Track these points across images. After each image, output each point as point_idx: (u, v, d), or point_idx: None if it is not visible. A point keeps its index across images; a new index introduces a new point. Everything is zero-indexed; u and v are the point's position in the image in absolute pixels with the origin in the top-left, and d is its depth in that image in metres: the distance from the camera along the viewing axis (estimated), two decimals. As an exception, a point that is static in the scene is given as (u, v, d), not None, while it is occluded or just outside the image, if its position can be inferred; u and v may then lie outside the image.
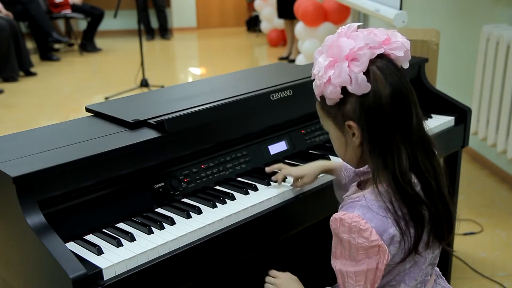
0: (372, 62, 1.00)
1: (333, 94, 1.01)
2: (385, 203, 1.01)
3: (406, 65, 1.04)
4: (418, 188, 1.03)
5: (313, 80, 1.05)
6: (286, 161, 1.54)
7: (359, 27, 1.03)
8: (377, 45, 1.01)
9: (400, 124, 1.01)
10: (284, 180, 1.41)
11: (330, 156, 1.57)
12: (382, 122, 1.00)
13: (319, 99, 1.08)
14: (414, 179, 1.03)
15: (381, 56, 1.01)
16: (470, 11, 3.30)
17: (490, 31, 2.86)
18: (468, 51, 3.26)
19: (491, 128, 2.93)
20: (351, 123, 1.02)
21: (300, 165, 1.44)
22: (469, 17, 3.30)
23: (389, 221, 1.00)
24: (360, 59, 0.99)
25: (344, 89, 1.00)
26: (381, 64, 1.01)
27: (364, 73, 0.98)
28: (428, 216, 1.04)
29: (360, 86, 0.98)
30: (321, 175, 1.42)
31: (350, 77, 0.98)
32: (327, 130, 1.11)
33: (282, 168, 1.43)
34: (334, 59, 1.00)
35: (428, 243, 1.06)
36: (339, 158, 1.16)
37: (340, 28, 1.04)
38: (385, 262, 1.00)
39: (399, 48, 1.02)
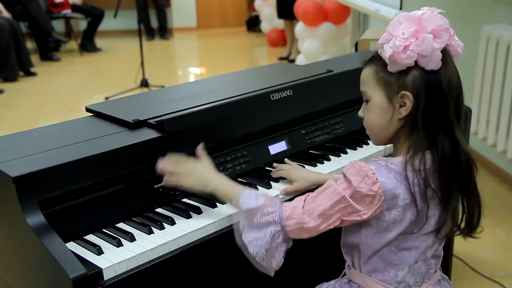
0: (447, 46, 1.06)
1: (406, 60, 1.03)
2: (405, 171, 1.04)
3: (456, 61, 1.09)
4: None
5: (384, 43, 1.06)
6: (286, 159, 1.54)
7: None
8: (450, 35, 1.06)
9: (456, 113, 1.06)
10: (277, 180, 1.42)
11: (331, 157, 1.57)
12: (443, 103, 1.04)
13: (377, 64, 1.10)
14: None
15: (446, 49, 1.06)
16: (470, 11, 3.30)
17: (490, 31, 2.86)
18: (468, 51, 3.25)
19: (491, 128, 2.93)
20: (407, 93, 1.05)
21: (303, 168, 1.45)
22: (469, 17, 3.30)
23: (399, 184, 1.05)
24: (442, 37, 1.03)
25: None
26: (447, 52, 1.06)
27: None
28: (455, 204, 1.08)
29: (434, 61, 1.03)
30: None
31: (431, 50, 1.02)
32: (368, 98, 1.12)
33: (283, 168, 1.43)
34: (418, 29, 1.03)
35: (439, 230, 1.09)
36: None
37: (422, 8, 1.08)
38: (364, 215, 1.05)
39: (460, 46, 1.07)
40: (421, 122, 1.05)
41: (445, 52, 1.05)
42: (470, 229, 1.12)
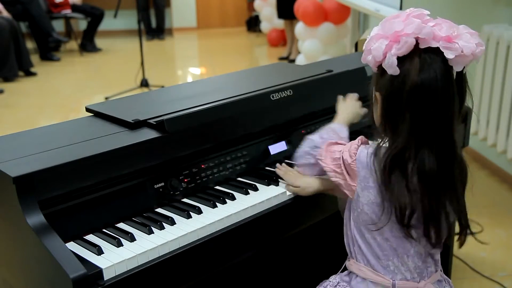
0: (419, 51, 1.04)
1: (370, 63, 1.10)
2: (371, 158, 1.12)
3: (457, 68, 1.06)
4: (414, 178, 1.07)
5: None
6: (286, 161, 1.54)
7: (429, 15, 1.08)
8: (429, 38, 1.03)
9: (414, 117, 1.05)
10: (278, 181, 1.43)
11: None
12: (396, 106, 1.06)
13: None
14: (412, 169, 1.07)
15: (433, 50, 1.04)
16: (470, 11, 3.30)
17: (490, 31, 2.86)
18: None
19: (491, 128, 2.93)
20: (377, 94, 1.11)
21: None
22: (469, 17, 3.30)
23: (368, 167, 1.12)
24: (401, 43, 1.03)
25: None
26: (426, 57, 1.04)
27: (401, 57, 1.04)
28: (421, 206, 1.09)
29: (390, 67, 1.05)
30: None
31: (384, 56, 1.05)
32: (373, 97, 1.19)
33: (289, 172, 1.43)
34: (381, 34, 1.06)
35: (426, 229, 1.10)
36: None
37: (409, 9, 1.08)
38: (340, 180, 1.16)
39: (453, 49, 1.04)
40: (383, 121, 1.11)
41: (407, 57, 1.03)
42: (463, 239, 1.14)
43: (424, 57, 1.04)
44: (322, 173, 1.29)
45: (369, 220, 1.13)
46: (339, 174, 1.18)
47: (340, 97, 1.52)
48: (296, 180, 1.36)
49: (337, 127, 1.36)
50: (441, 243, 1.13)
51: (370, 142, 1.19)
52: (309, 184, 1.34)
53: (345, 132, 1.35)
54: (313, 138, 1.33)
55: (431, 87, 1.03)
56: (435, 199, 1.08)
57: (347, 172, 1.15)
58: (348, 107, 1.48)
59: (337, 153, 1.19)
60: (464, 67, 1.07)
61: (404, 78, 1.04)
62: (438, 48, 1.03)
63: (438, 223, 1.09)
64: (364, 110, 1.47)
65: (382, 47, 1.04)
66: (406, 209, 1.07)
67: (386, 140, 1.11)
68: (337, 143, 1.24)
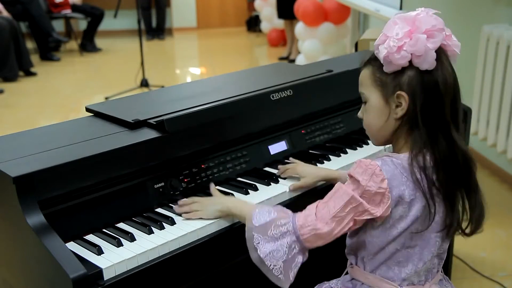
0: (443, 46, 1.06)
1: (400, 60, 1.04)
2: (411, 166, 1.05)
3: (454, 62, 1.09)
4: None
5: (379, 44, 1.07)
6: (286, 161, 1.54)
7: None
8: (446, 36, 1.06)
9: (452, 112, 1.06)
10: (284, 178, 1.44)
11: (331, 157, 1.57)
12: (439, 102, 1.05)
13: (373, 65, 1.11)
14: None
15: (441, 49, 1.06)
16: (470, 11, 3.30)
17: (490, 31, 2.86)
18: (468, 51, 3.25)
19: (491, 128, 2.93)
20: (402, 93, 1.06)
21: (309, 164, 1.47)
22: (469, 17, 3.30)
23: (405, 181, 1.05)
24: (436, 37, 1.04)
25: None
26: (443, 53, 1.07)
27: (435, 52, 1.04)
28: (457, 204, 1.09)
29: (428, 61, 1.03)
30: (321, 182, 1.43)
31: (424, 50, 1.03)
32: (366, 100, 1.14)
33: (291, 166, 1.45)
34: (412, 29, 1.04)
35: (449, 231, 1.10)
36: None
37: (418, 9, 1.09)
38: (376, 212, 1.04)
39: (457, 46, 1.07)
40: (420, 121, 1.06)
41: (440, 52, 1.05)
42: (473, 228, 1.12)
43: (444, 52, 1.07)
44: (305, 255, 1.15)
45: (399, 232, 1.08)
46: (364, 214, 1.06)
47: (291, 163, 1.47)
48: (298, 171, 1.41)
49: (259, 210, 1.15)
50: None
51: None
52: (314, 173, 1.39)
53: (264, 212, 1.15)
54: (263, 226, 1.12)
55: (457, 84, 1.07)
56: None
57: (368, 200, 1.05)
58: (310, 168, 1.42)
59: (342, 204, 1.07)
60: None
61: (441, 74, 1.05)
62: (444, 45, 1.07)
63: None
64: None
65: (422, 41, 1.02)
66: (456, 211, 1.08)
67: (418, 146, 1.06)
68: (317, 205, 1.11)
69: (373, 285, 1.14)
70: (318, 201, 1.12)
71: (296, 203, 1.37)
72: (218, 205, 1.24)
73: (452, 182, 1.07)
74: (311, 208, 1.11)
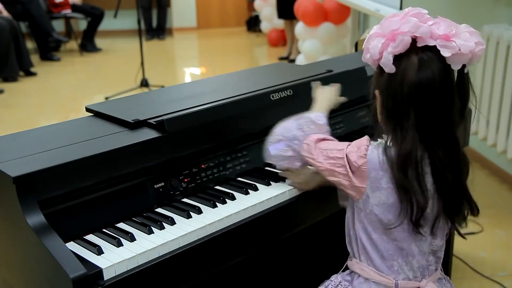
0: (416, 49, 1.05)
1: (369, 61, 1.11)
2: (385, 156, 1.10)
3: (455, 67, 1.06)
4: (427, 176, 1.09)
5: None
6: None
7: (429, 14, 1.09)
8: (426, 36, 1.04)
9: (418, 114, 1.06)
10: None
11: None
12: (396, 104, 1.07)
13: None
14: (425, 168, 1.08)
15: (430, 48, 1.04)
16: (470, 11, 3.30)
17: (490, 31, 2.86)
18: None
19: (491, 128, 2.93)
20: (376, 92, 1.12)
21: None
22: (469, 17, 3.30)
23: (381, 168, 1.09)
24: (397, 42, 1.04)
25: None
26: (424, 55, 1.05)
27: (397, 56, 1.05)
28: (436, 202, 1.10)
29: (386, 65, 1.06)
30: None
31: (381, 54, 1.06)
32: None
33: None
34: (379, 32, 1.07)
35: (433, 227, 1.11)
36: None
37: (408, 8, 1.09)
38: (353, 178, 1.12)
39: (449, 48, 1.04)
40: (385, 118, 1.11)
41: (404, 55, 1.04)
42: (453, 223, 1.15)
43: (421, 56, 1.04)
44: (302, 166, 1.29)
45: (378, 220, 1.12)
46: (340, 174, 1.15)
47: (316, 83, 1.51)
48: (297, 177, 1.38)
49: (315, 117, 1.32)
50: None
51: (372, 142, 1.17)
52: (309, 178, 1.36)
53: (323, 120, 1.32)
54: (290, 128, 1.30)
55: (429, 85, 1.04)
56: (451, 195, 1.10)
57: (353, 174, 1.12)
58: (326, 94, 1.46)
59: (335, 152, 1.17)
60: (464, 66, 1.07)
61: (402, 76, 1.05)
62: (435, 46, 1.04)
63: (452, 218, 1.12)
64: (343, 98, 1.48)
65: (378, 45, 1.06)
66: (423, 208, 1.07)
67: (390, 139, 1.10)
68: (325, 139, 1.22)
69: (369, 277, 1.16)
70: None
71: (296, 203, 1.37)
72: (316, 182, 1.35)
73: (403, 181, 1.08)
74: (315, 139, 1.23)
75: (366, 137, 1.15)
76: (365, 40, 1.10)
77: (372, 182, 1.10)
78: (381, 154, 1.10)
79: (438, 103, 1.05)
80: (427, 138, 1.07)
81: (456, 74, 1.08)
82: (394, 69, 1.05)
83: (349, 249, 1.23)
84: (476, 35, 1.06)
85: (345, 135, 1.73)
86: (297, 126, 1.29)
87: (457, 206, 1.12)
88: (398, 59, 1.05)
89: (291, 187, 1.39)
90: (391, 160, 1.08)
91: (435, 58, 1.04)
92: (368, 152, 1.11)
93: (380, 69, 1.09)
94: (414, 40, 1.04)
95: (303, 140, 1.25)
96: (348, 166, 1.13)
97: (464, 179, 1.14)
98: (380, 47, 1.05)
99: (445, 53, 1.03)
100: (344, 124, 1.73)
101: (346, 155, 1.13)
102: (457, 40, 1.04)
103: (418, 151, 1.06)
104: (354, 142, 1.16)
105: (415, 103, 1.05)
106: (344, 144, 1.17)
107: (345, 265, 1.25)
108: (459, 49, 1.03)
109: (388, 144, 1.10)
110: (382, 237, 1.13)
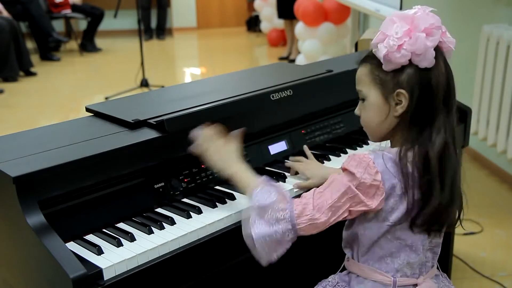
0: (439, 44, 1.07)
1: (400, 59, 1.05)
2: (400, 162, 1.07)
3: (449, 58, 1.11)
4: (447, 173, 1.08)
5: (378, 42, 1.08)
6: (286, 161, 1.54)
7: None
8: (442, 32, 1.07)
9: (446, 107, 1.07)
10: (296, 173, 1.45)
11: (332, 157, 1.57)
12: (433, 99, 1.06)
13: (372, 63, 1.12)
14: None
15: (438, 46, 1.08)
16: (470, 11, 3.30)
17: (490, 31, 2.86)
18: (468, 51, 3.25)
19: (491, 128, 2.93)
20: (402, 91, 1.07)
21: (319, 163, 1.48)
22: (469, 17, 3.30)
23: (396, 174, 1.07)
24: (434, 35, 1.05)
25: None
26: (442, 51, 1.09)
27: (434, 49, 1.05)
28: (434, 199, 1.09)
29: (428, 59, 1.05)
30: None
31: (424, 49, 1.04)
32: (365, 97, 1.14)
33: (300, 161, 1.46)
34: (411, 28, 1.05)
35: (428, 228, 1.11)
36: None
37: (414, 7, 1.09)
38: (371, 205, 1.07)
39: (452, 43, 1.09)
40: (414, 118, 1.08)
41: (437, 49, 1.07)
42: (446, 224, 1.14)
43: (438, 50, 1.07)
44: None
45: (389, 225, 1.10)
46: (358, 206, 1.08)
47: (298, 159, 1.47)
48: (306, 171, 1.40)
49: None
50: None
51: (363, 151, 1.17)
52: (322, 175, 1.37)
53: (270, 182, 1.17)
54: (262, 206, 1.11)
55: (452, 80, 1.09)
56: (456, 188, 1.11)
57: (363, 193, 1.07)
58: (318, 170, 1.41)
59: (335, 195, 1.08)
60: None
61: (437, 71, 1.06)
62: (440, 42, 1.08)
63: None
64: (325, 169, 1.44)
65: (422, 39, 1.04)
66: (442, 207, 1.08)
67: (409, 143, 1.08)
68: (305, 197, 1.12)
69: (367, 277, 1.16)
70: (313, 189, 1.12)
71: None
72: (225, 163, 1.23)
73: (433, 173, 1.08)
74: (307, 196, 1.11)
75: (359, 155, 1.09)
76: (391, 41, 1.05)
77: (386, 191, 1.08)
78: (389, 161, 1.08)
79: (454, 97, 1.10)
80: (448, 132, 1.08)
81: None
82: (434, 63, 1.05)
83: (346, 251, 1.22)
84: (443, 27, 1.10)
85: (346, 135, 1.73)
86: (266, 199, 1.11)
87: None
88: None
89: (292, 187, 1.39)
90: (417, 163, 1.06)
91: (442, 53, 1.09)
92: (376, 165, 1.07)
93: (403, 67, 1.06)
94: None
95: (286, 208, 1.09)
96: (355, 189, 1.07)
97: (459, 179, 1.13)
98: (424, 42, 1.04)
99: (453, 46, 1.09)
100: (344, 124, 1.73)
101: (357, 185, 1.06)
102: (448, 34, 1.10)
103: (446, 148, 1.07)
104: (349, 167, 1.08)
105: (445, 99, 1.07)
106: (339, 180, 1.08)
107: (342, 265, 1.24)
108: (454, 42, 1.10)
109: (404, 148, 1.07)
110: (386, 236, 1.12)
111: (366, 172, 1.06)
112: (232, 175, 1.22)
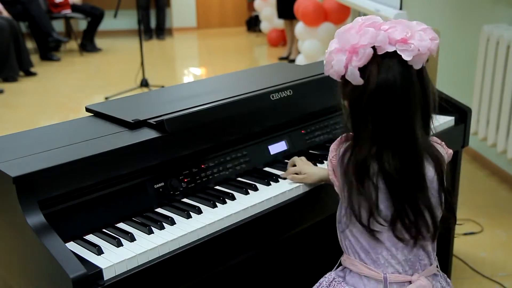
0: (377, 57, 1.06)
1: (333, 75, 1.11)
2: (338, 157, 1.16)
3: (417, 67, 1.07)
4: (379, 180, 1.09)
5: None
6: (286, 161, 1.54)
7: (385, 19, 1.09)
8: (385, 43, 1.05)
9: (375, 120, 1.07)
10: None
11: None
12: (359, 112, 1.09)
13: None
14: (374, 169, 1.09)
15: (391, 54, 1.05)
16: (470, 11, 3.30)
17: (490, 31, 2.86)
18: (468, 51, 3.25)
19: (491, 128, 2.93)
20: (345, 103, 1.13)
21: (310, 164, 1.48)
22: (469, 17, 3.30)
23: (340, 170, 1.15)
24: (360, 55, 1.05)
25: None
26: (385, 62, 1.06)
27: (361, 68, 1.06)
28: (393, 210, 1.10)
29: (354, 79, 1.07)
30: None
31: (346, 69, 1.07)
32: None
33: (296, 163, 1.48)
34: (339, 48, 1.08)
35: (396, 231, 1.11)
36: None
37: (361, 18, 1.09)
38: (332, 177, 1.20)
39: (409, 51, 1.05)
40: (351, 126, 1.13)
41: (367, 65, 1.05)
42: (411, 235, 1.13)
43: (382, 63, 1.06)
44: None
45: (346, 213, 1.16)
46: (329, 171, 1.23)
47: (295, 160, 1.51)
48: (303, 168, 1.42)
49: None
50: (419, 239, 1.13)
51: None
52: (314, 172, 1.41)
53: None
54: None
55: (390, 89, 1.06)
56: (402, 198, 1.09)
57: (332, 168, 1.20)
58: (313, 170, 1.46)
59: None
60: (423, 64, 1.09)
61: (365, 84, 1.06)
62: (395, 51, 1.05)
63: (407, 221, 1.10)
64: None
65: (342, 60, 1.07)
66: (371, 211, 1.09)
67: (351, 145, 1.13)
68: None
69: (360, 272, 1.17)
70: None
71: (296, 204, 1.37)
72: (319, 179, 1.41)
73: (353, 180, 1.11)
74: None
75: (344, 134, 1.18)
76: (326, 55, 1.11)
77: (339, 178, 1.16)
78: (339, 156, 1.15)
79: (398, 106, 1.06)
80: (385, 141, 1.08)
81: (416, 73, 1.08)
82: (362, 82, 1.06)
83: (341, 245, 1.24)
84: (429, 31, 1.08)
85: (345, 135, 1.73)
86: None
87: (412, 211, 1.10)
88: (362, 70, 1.06)
89: (291, 187, 1.39)
90: (342, 164, 1.12)
91: (395, 62, 1.06)
92: (338, 148, 1.17)
93: (344, 80, 1.10)
94: (374, 49, 1.05)
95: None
96: (330, 162, 1.21)
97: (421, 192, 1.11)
98: (344, 62, 1.06)
99: (406, 57, 1.05)
100: (344, 124, 1.73)
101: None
102: (415, 41, 1.05)
103: (371, 155, 1.08)
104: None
105: (375, 108, 1.07)
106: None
107: (339, 261, 1.25)
108: (418, 50, 1.05)
109: (346, 149, 1.13)
110: (362, 230, 1.14)
111: (331, 152, 1.20)
112: (326, 178, 1.33)
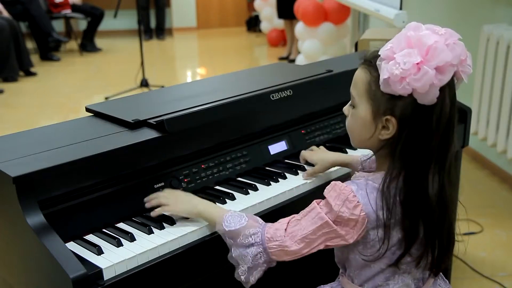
0: (454, 74, 0.98)
1: (400, 91, 0.96)
2: (383, 194, 1.01)
3: (457, 89, 1.02)
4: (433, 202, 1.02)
5: (384, 59, 0.98)
6: (286, 161, 1.54)
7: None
8: (462, 60, 0.98)
9: (441, 148, 1.00)
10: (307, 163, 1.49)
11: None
12: (427, 140, 0.99)
13: (372, 74, 1.02)
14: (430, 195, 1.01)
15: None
16: (470, 11, 3.30)
17: (490, 31, 2.86)
18: (468, 51, 3.25)
19: (491, 128, 2.93)
20: (393, 119, 1.00)
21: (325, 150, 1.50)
22: (469, 17, 3.30)
23: (378, 207, 1.01)
24: (446, 74, 0.95)
25: None
26: (451, 84, 0.99)
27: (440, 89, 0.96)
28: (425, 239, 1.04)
29: (429, 99, 0.96)
30: (333, 168, 1.45)
31: (429, 87, 0.94)
32: (355, 105, 1.07)
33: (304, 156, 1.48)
34: (423, 61, 0.94)
35: (419, 263, 1.06)
36: (355, 152, 1.16)
37: (440, 28, 0.98)
38: (349, 239, 1.02)
39: (467, 72, 0.99)
40: (399, 151, 1.00)
41: (444, 86, 0.96)
42: (436, 266, 1.09)
43: (451, 85, 0.99)
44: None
45: (378, 252, 1.05)
46: (335, 239, 1.05)
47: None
48: (313, 156, 1.44)
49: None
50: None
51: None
52: (324, 158, 1.42)
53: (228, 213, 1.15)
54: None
55: (452, 116, 1.00)
56: (437, 228, 1.05)
57: (342, 226, 1.03)
58: (322, 155, 1.45)
59: (310, 227, 1.05)
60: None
61: (436, 111, 0.97)
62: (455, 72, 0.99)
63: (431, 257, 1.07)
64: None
65: (430, 78, 0.93)
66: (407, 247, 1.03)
67: (394, 174, 1.01)
68: (276, 225, 1.10)
69: None
70: (292, 215, 1.11)
71: (296, 204, 1.37)
72: (189, 205, 1.22)
73: (411, 219, 1.02)
74: (282, 222, 1.10)
75: (341, 185, 1.04)
76: (402, 64, 0.94)
77: (372, 223, 1.02)
78: (372, 192, 1.02)
79: (454, 133, 1.02)
80: (442, 174, 1.01)
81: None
82: (435, 101, 0.96)
83: (339, 266, 1.18)
84: (470, 55, 1.01)
85: (345, 135, 1.72)
86: (237, 224, 1.12)
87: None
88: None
89: (291, 188, 1.39)
90: (389, 196, 1.00)
91: (452, 81, 0.99)
92: (359, 196, 1.01)
93: (399, 95, 0.97)
94: None
95: (257, 232, 1.10)
96: (331, 223, 1.03)
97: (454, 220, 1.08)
98: (431, 81, 0.94)
99: (466, 77, 0.99)
100: (344, 124, 1.73)
101: (334, 218, 1.02)
102: (469, 62, 1.00)
103: (429, 181, 1.00)
104: (328, 198, 1.04)
105: (441, 139, 0.99)
106: (317, 211, 1.05)
107: (338, 277, 1.21)
108: (470, 71, 1.00)
109: (391, 177, 1.01)
110: (381, 266, 1.08)
111: (344, 205, 1.00)
112: (200, 212, 1.20)
